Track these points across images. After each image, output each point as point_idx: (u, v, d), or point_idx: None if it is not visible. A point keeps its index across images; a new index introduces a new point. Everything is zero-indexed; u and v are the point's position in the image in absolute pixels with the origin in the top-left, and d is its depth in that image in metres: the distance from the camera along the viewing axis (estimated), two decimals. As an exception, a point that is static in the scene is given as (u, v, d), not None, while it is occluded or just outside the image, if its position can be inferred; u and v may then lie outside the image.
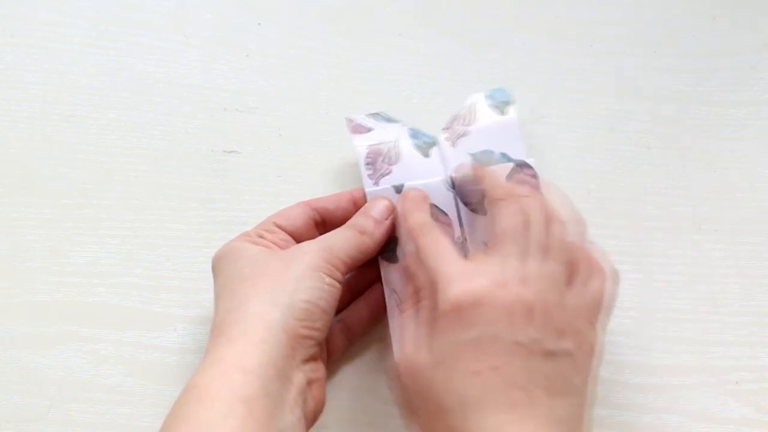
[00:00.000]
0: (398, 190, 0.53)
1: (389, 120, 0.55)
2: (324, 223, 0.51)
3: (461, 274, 0.43)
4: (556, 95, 0.58)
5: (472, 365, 0.41)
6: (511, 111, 0.54)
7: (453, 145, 0.53)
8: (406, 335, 0.45)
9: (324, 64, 0.58)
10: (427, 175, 0.53)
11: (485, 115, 0.54)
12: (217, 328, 0.45)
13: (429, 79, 0.58)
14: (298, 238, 0.49)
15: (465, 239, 0.53)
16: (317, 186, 0.55)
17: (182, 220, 0.55)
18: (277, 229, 0.49)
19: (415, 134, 0.54)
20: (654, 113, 0.57)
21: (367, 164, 0.53)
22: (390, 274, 0.51)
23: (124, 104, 0.57)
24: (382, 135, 0.54)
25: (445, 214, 0.53)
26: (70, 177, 0.55)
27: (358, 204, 0.51)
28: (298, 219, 0.50)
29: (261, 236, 0.49)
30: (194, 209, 0.55)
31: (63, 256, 0.54)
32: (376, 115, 0.55)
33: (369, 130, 0.54)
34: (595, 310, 0.45)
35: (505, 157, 0.53)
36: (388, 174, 0.53)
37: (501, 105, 0.54)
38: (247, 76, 0.57)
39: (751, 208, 0.56)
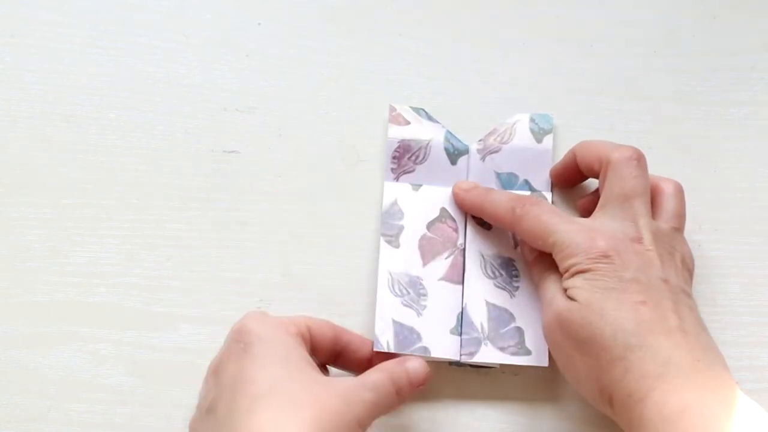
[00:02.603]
0: (416, 189, 0.54)
1: (430, 118, 0.55)
2: (338, 355, 0.49)
3: (595, 231, 0.47)
4: (556, 95, 0.58)
5: (635, 297, 0.45)
6: (546, 141, 0.55)
7: (482, 159, 0.54)
8: (557, 290, 0.48)
9: (324, 64, 0.58)
10: (449, 182, 0.54)
11: (522, 138, 0.55)
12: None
13: (429, 79, 0.58)
14: (313, 352, 0.48)
15: (465, 248, 0.53)
16: (317, 186, 0.55)
17: (182, 220, 0.55)
18: (308, 338, 0.47)
19: (449, 139, 0.55)
20: (654, 113, 0.57)
21: (393, 158, 0.54)
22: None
23: (124, 104, 0.57)
24: (418, 132, 0.55)
25: (453, 220, 0.54)
26: (70, 177, 0.55)
27: (376, 359, 0.49)
28: (327, 342, 0.48)
29: (303, 337, 0.47)
30: (194, 209, 0.55)
31: (63, 256, 0.54)
32: (419, 110, 0.56)
33: (407, 123, 0.55)
34: (693, 262, 0.50)
35: (527, 185, 0.55)
36: (410, 172, 0.55)
37: (540, 132, 0.55)
38: (247, 76, 0.57)
39: (751, 208, 0.56)
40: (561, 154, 0.55)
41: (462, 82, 0.58)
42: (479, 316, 0.52)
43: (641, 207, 0.48)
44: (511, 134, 0.55)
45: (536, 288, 0.51)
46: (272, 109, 0.57)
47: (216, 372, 0.46)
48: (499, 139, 0.55)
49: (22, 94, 0.56)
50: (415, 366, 0.47)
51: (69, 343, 0.52)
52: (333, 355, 0.49)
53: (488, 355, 0.51)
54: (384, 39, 0.59)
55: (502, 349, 0.51)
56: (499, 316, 0.52)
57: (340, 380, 0.45)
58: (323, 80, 0.58)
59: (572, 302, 0.46)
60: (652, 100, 0.58)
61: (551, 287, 0.49)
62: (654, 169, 0.55)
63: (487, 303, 0.52)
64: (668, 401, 0.42)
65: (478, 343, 0.51)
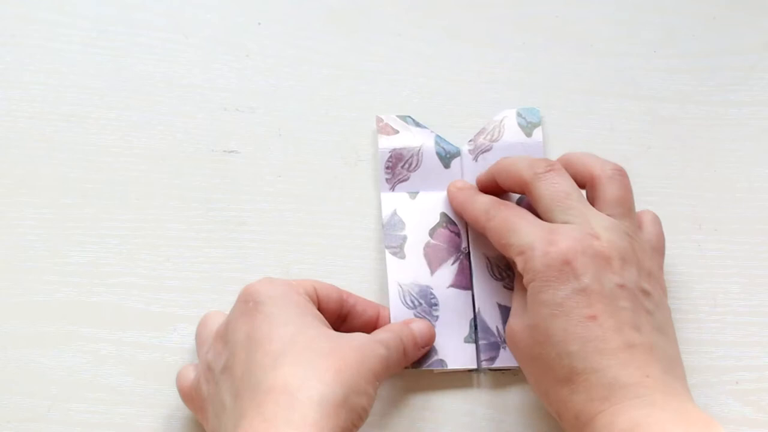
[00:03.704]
0: (413, 197, 0.54)
1: (417, 125, 0.55)
2: (344, 318, 0.50)
3: (553, 234, 0.46)
4: (556, 95, 0.58)
5: (586, 311, 0.44)
6: (537, 133, 0.55)
7: (475, 159, 0.55)
8: (520, 301, 0.48)
9: (324, 64, 0.58)
10: (445, 186, 0.54)
11: (512, 134, 0.55)
12: (263, 389, 0.42)
13: (429, 79, 0.58)
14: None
15: (469, 252, 0.53)
16: (317, 186, 0.55)
17: (182, 220, 0.55)
18: (316, 299, 0.48)
19: (440, 143, 0.55)
20: (654, 113, 0.57)
21: (387, 168, 0.54)
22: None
23: (124, 104, 0.57)
24: (408, 140, 0.55)
25: (454, 224, 0.54)
26: (70, 177, 0.55)
27: (381, 321, 0.51)
28: (332, 303, 0.49)
29: (311, 298, 0.48)
30: (194, 209, 0.55)
31: (63, 256, 0.54)
32: (406, 118, 0.55)
33: (396, 132, 0.55)
34: (661, 252, 0.50)
35: None
36: (405, 180, 0.55)
37: (529, 126, 0.55)
38: (247, 76, 0.57)
39: (751, 208, 0.56)
40: (555, 150, 0.55)
41: (462, 82, 0.58)
42: (494, 320, 0.52)
43: (580, 205, 0.47)
44: (500, 131, 0.55)
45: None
46: (272, 109, 0.57)
47: (225, 334, 0.46)
48: (489, 137, 0.55)
49: (22, 93, 0.56)
50: (420, 327, 0.50)
51: (69, 343, 0.52)
52: (340, 317, 0.50)
53: (509, 359, 0.51)
54: (384, 39, 0.59)
55: None
56: None
57: (354, 336, 0.46)
58: (323, 80, 0.58)
59: (521, 320, 0.46)
60: (652, 100, 0.58)
61: (512, 299, 0.49)
62: (654, 169, 0.55)
63: (499, 306, 0.52)
64: (616, 422, 0.42)
65: (496, 347, 0.51)
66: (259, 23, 0.59)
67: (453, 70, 0.58)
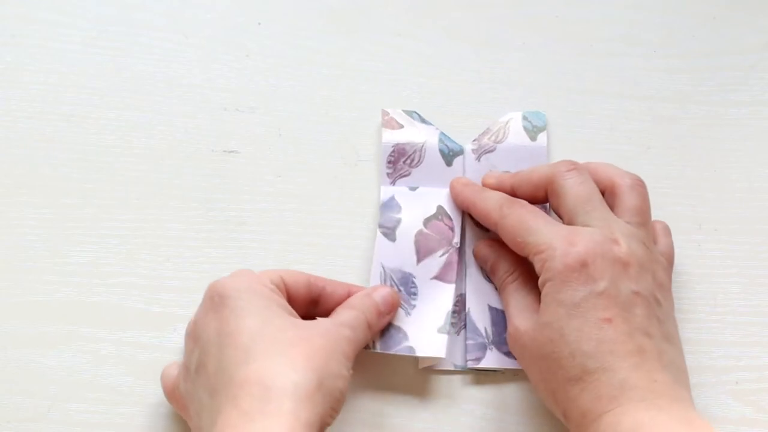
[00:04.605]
0: (413, 190, 0.54)
1: (423, 121, 0.55)
2: (315, 302, 0.50)
3: (574, 235, 0.46)
4: (556, 95, 0.58)
5: (603, 313, 0.45)
6: (541, 138, 0.55)
7: (478, 159, 0.55)
8: (524, 302, 0.48)
9: (324, 64, 0.58)
10: (445, 183, 0.54)
11: (516, 136, 0.55)
12: (236, 383, 0.42)
13: (429, 79, 0.58)
14: (291, 302, 0.48)
15: (461, 249, 0.53)
16: (317, 186, 0.55)
17: (182, 220, 0.55)
18: (284, 288, 0.48)
19: (443, 140, 0.55)
20: (654, 113, 0.57)
21: (389, 162, 0.55)
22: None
23: (124, 104, 0.57)
24: (412, 135, 0.55)
25: (450, 218, 0.54)
26: (70, 177, 0.55)
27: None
28: (301, 289, 0.49)
29: (279, 287, 0.48)
30: (194, 209, 0.55)
31: (63, 256, 0.54)
32: (412, 113, 0.56)
33: (401, 126, 0.55)
34: (671, 264, 0.51)
35: None
36: (406, 176, 0.55)
37: (534, 130, 0.55)
38: (247, 76, 0.57)
39: (751, 208, 0.56)
40: (556, 151, 0.55)
41: (461, 82, 0.58)
42: (483, 321, 0.52)
43: (602, 210, 0.48)
44: (504, 133, 0.55)
45: (499, 293, 0.52)
46: (272, 109, 0.57)
47: (194, 331, 0.47)
48: (493, 138, 0.55)
49: (22, 94, 0.56)
50: (383, 295, 0.50)
51: (69, 343, 0.52)
52: (311, 302, 0.50)
53: (494, 360, 0.51)
54: (384, 39, 0.59)
55: (507, 354, 0.51)
56: (502, 320, 0.52)
57: (318, 322, 0.47)
58: (323, 80, 0.58)
59: (532, 320, 0.47)
60: (652, 100, 0.58)
61: (512, 300, 0.49)
62: (654, 169, 0.55)
63: (490, 307, 0.52)
64: (622, 421, 0.43)
65: (483, 348, 0.52)
66: (259, 23, 0.59)
67: (453, 70, 0.58)
